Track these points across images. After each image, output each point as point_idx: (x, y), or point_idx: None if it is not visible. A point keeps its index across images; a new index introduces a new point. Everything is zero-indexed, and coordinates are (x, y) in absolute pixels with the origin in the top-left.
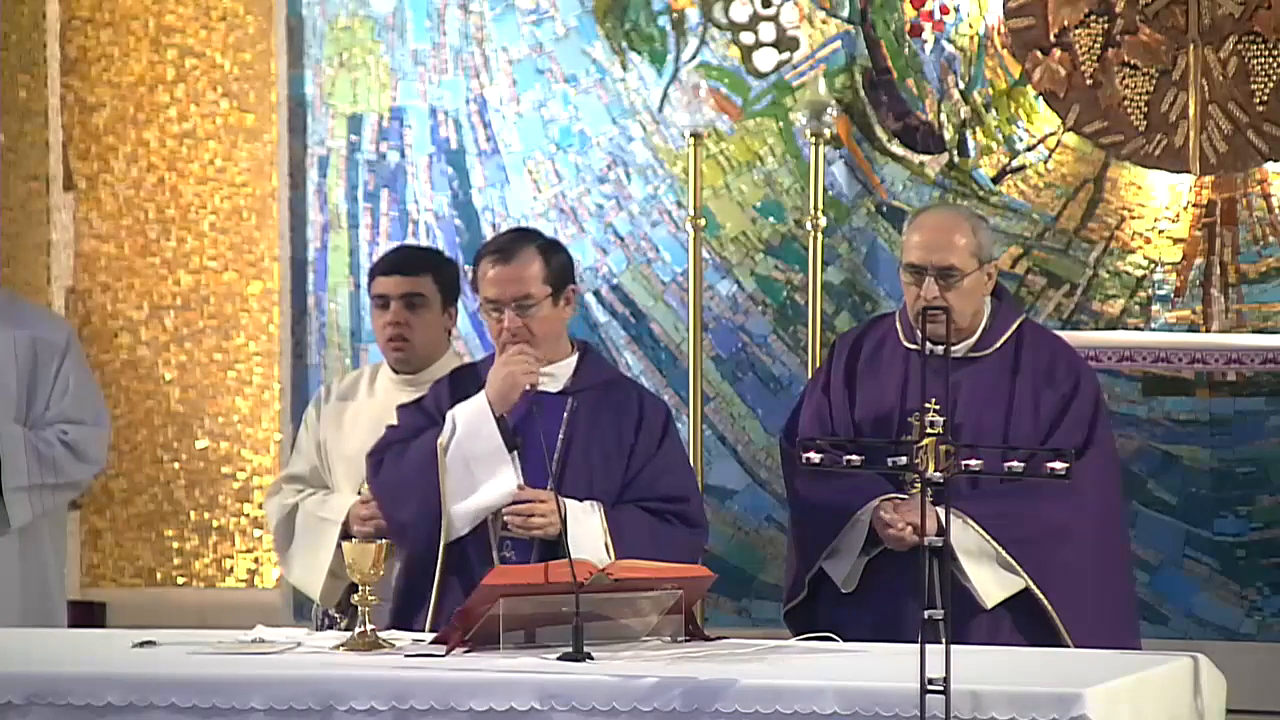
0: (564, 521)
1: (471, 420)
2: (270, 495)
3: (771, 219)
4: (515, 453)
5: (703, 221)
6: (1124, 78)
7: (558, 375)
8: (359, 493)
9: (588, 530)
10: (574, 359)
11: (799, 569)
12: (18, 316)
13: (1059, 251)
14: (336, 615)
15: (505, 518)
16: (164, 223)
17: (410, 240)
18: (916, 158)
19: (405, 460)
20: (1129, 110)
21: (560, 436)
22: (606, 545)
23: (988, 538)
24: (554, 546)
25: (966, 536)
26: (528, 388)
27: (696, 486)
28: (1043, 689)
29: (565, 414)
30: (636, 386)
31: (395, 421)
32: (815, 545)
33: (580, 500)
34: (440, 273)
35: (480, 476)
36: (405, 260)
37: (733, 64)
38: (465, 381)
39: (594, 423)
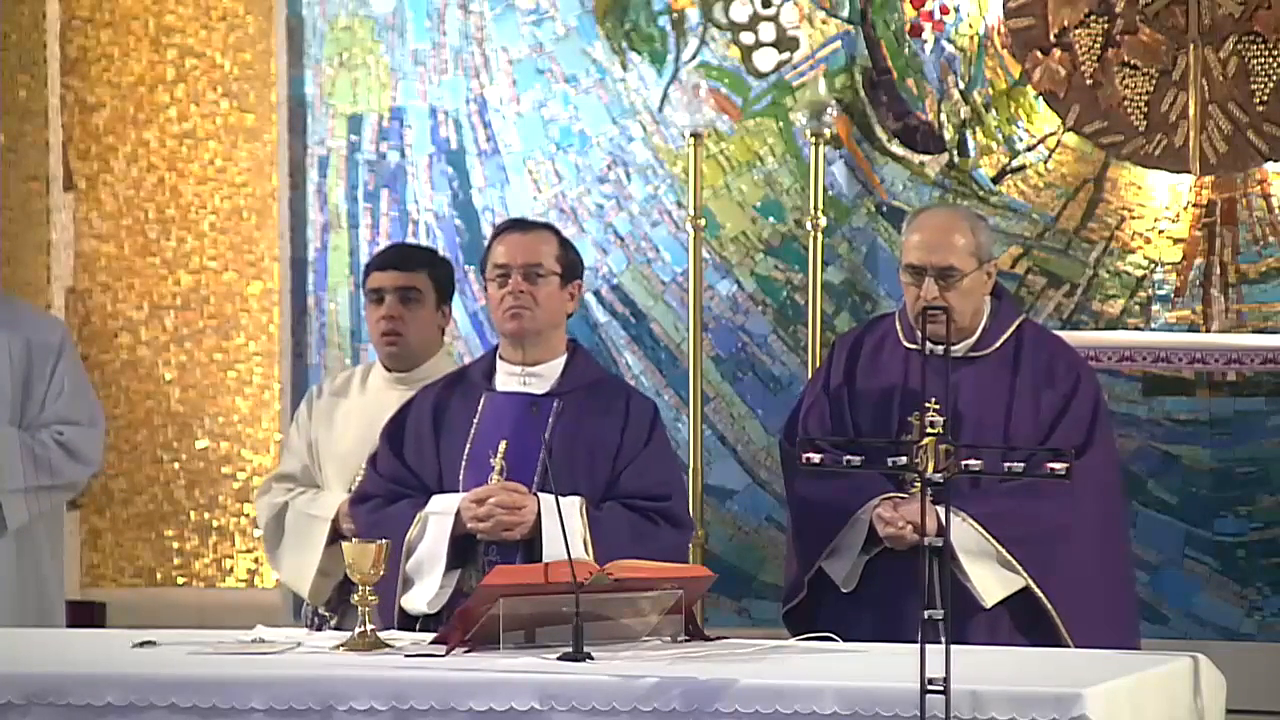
0: (539, 520)
1: (437, 527)
2: (260, 494)
3: (771, 219)
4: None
5: (703, 221)
6: (1124, 78)
7: (545, 376)
8: (349, 490)
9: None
10: (563, 360)
11: (798, 569)
12: (12, 317)
13: (1059, 251)
14: (326, 614)
15: (469, 526)
16: (164, 223)
17: (410, 240)
18: (916, 158)
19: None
20: (1129, 110)
21: (545, 439)
22: (585, 542)
23: (987, 536)
24: (535, 546)
25: (966, 535)
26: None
27: (682, 485)
28: (1043, 689)
29: (551, 417)
30: (624, 386)
31: (380, 441)
32: (815, 545)
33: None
34: (436, 270)
35: (416, 579)
36: (402, 256)
37: (733, 64)
38: (453, 390)
39: (579, 425)
